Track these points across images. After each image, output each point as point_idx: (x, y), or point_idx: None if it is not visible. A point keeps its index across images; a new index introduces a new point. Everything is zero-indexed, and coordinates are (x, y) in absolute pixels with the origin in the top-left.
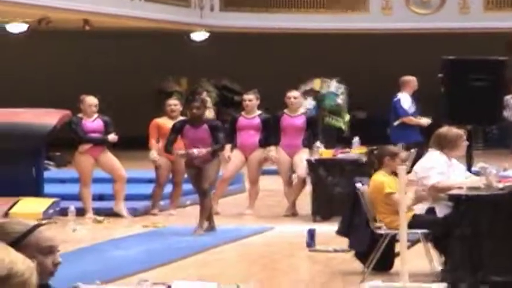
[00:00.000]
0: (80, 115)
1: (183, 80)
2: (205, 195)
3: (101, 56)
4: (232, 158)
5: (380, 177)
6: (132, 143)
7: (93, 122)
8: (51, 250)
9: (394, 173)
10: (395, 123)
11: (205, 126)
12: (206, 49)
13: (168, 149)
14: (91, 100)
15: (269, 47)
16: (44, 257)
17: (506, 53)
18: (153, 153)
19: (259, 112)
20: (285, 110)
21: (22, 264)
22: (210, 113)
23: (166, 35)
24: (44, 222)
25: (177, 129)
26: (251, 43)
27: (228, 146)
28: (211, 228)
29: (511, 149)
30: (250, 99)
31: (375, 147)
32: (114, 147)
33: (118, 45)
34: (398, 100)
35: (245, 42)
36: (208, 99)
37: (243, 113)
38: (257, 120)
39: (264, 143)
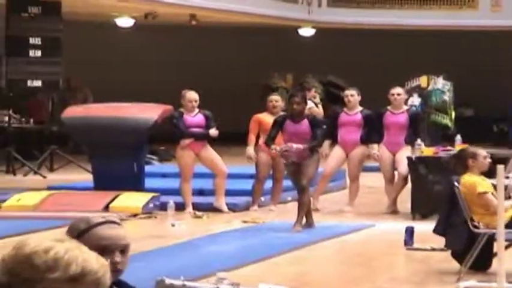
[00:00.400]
0: (181, 110)
1: (289, 76)
2: (304, 192)
3: (206, 51)
4: (333, 154)
5: (469, 178)
6: (237, 138)
7: (194, 117)
8: (104, 249)
9: (482, 173)
10: None
11: (305, 121)
12: (313, 45)
13: (268, 143)
14: (191, 95)
15: (375, 43)
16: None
17: None
18: (250, 149)
19: (360, 108)
20: (388, 107)
21: (96, 262)
22: (319, 109)
23: (273, 31)
24: (103, 220)
25: (278, 124)
26: (358, 39)
27: (326, 142)
28: (309, 225)
29: None
30: (352, 94)
31: (454, 153)
32: (218, 142)
33: (224, 40)
34: None
35: (352, 38)
36: (317, 95)
37: (345, 109)
38: (359, 117)
39: (365, 140)
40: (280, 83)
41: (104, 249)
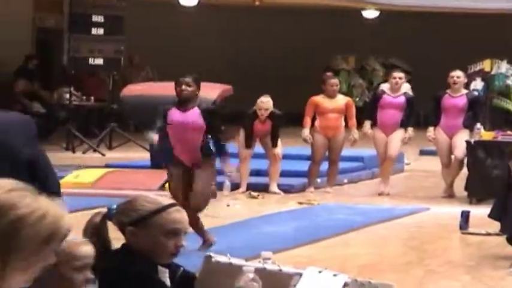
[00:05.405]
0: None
1: (351, 59)
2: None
3: (268, 32)
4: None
5: None
6: (297, 120)
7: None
8: (175, 232)
9: None
10: None
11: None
12: (376, 27)
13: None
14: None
15: (440, 26)
16: (167, 238)
17: None
18: (305, 131)
19: (404, 91)
20: (447, 90)
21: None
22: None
23: (337, 12)
24: (173, 203)
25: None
26: (422, 22)
27: (368, 122)
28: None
29: None
30: (400, 77)
31: None
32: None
33: (287, 21)
34: None
35: (416, 20)
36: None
37: (387, 91)
38: (402, 99)
39: (405, 123)
40: (342, 65)
41: (174, 232)
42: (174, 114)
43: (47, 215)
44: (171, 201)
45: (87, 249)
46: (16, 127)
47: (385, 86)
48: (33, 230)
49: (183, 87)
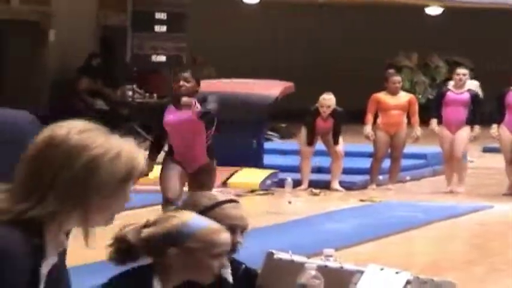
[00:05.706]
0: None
1: (414, 56)
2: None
3: (332, 28)
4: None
5: None
6: (359, 116)
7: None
8: (230, 228)
9: None
10: None
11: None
12: (440, 24)
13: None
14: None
15: (504, 22)
16: None
17: None
18: (367, 128)
19: (469, 87)
20: (511, 87)
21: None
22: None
23: (400, 9)
24: (228, 199)
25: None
26: (485, 18)
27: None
28: None
29: None
30: (464, 73)
31: None
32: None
33: (351, 18)
34: None
35: (479, 17)
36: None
37: (452, 88)
38: (466, 96)
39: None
40: (405, 62)
41: (229, 228)
42: (172, 113)
43: (121, 154)
44: (229, 197)
45: (226, 237)
46: (29, 126)
47: (451, 84)
48: (108, 170)
49: (181, 82)
